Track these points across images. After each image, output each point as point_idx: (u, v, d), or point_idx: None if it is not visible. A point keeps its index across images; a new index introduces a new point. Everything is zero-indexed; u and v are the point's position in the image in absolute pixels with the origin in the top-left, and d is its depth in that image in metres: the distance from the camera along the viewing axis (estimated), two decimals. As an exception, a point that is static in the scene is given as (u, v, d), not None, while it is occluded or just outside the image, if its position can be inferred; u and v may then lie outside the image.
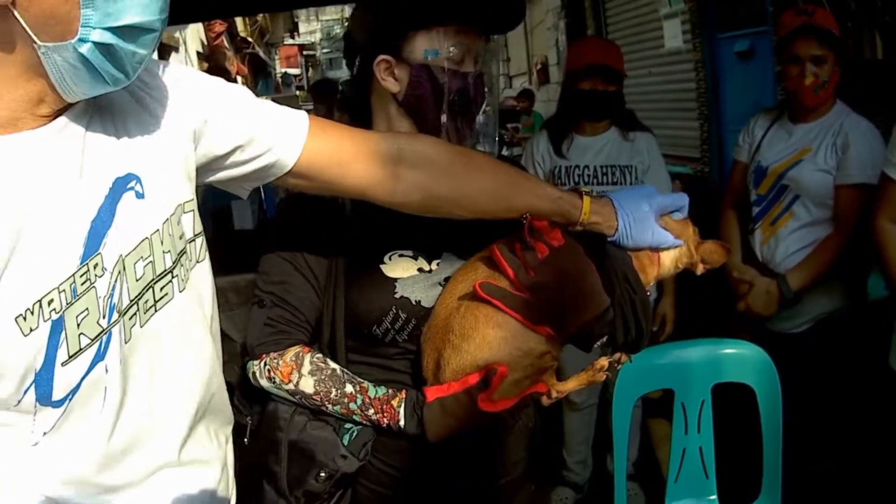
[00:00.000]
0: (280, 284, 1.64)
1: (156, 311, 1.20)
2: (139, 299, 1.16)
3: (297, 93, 23.06)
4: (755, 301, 2.95)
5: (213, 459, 1.37)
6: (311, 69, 34.00)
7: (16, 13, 0.96)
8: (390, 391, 1.57)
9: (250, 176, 1.40)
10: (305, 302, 1.64)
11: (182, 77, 1.28)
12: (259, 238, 3.16)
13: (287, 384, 1.58)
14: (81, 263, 1.08)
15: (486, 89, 1.70)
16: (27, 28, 0.97)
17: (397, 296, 1.59)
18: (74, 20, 0.98)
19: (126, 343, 1.15)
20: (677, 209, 1.63)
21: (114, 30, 1.00)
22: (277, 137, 1.37)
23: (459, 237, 1.63)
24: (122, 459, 1.17)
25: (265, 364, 1.60)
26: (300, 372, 1.57)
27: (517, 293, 1.46)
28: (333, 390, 1.55)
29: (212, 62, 10.60)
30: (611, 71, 3.16)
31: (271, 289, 1.64)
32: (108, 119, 1.15)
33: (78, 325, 1.08)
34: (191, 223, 1.29)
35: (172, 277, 1.23)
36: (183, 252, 1.26)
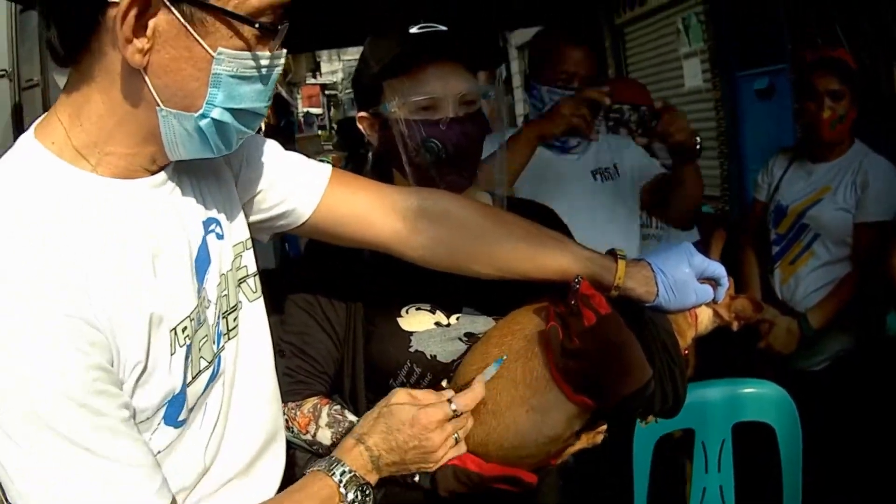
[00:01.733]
0: (299, 335, 1.66)
1: (229, 338, 1.28)
2: (221, 326, 1.25)
3: (319, 132, 23.16)
4: (776, 340, 2.94)
5: (274, 477, 1.41)
6: (332, 108, 34.17)
7: (147, 78, 1.03)
8: None
9: (268, 223, 1.45)
10: (324, 353, 1.65)
11: None
12: (280, 278, 3.18)
13: (305, 434, 1.59)
14: (198, 296, 1.18)
15: (479, 130, 1.65)
16: (154, 92, 1.04)
17: (412, 350, 1.59)
18: (200, 97, 1.06)
19: (223, 364, 1.25)
20: (716, 277, 1.52)
21: (232, 111, 1.08)
22: (297, 187, 1.42)
23: (480, 291, 1.61)
24: (209, 471, 1.23)
25: (283, 414, 1.60)
26: (318, 423, 1.59)
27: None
28: None
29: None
30: None
31: (291, 339, 1.66)
32: (190, 169, 1.25)
33: (200, 350, 1.17)
34: (251, 259, 1.38)
35: (239, 310, 1.32)
36: (243, 286, 1.35)
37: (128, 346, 1.03)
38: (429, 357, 1.59)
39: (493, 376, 1.45)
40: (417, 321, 1.62)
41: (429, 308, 1.63)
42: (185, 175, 1.24)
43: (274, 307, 1.70)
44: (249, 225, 1.42)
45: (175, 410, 1.12)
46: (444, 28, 1.63)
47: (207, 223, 1.26)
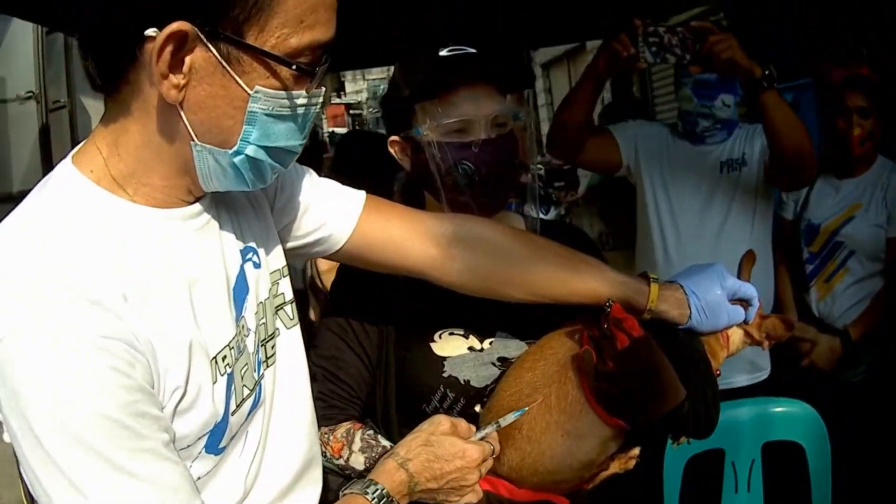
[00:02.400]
0: (332, 360, 1.66)
1: (268, 366, 1.28)
2: (260, 354, 1.26)
3: (344, 152, 23.20)
4: (819, 358, 2.97)
5: (311, 502, 1.40)
6: (357, 128, 34.37)
7: (182, 113, 1.03)
8: None
9: (304, 249, 1.46)
10: (356, 377, 1.65)
11: None
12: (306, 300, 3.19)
13: (338, 459, 1.60)
14: (237, 324, 1.18)
15: (511, 152, 1.65)
16: (189, 128, 1.04)
17: (445, 375, 1.59)
18: (235, 134, 1.06)
19: (263, 391, 1.25)
20: (747, 298, 1.52)
21: (266, 148, 1.08)
22: (332, 214, 1.43)
23: (513, 316, 1.61)
24: (248, 496, 1.22)
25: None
26: (351, 448, 1.59)
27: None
28: None
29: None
30: None
31: (323, 363, 1.66)
32: (227, 199, 1.26)
33: (242, 378, 1.17)
34: (288, 287, 1.38)
35: (276, 338, 1.32)
36: (280, 313, 1.34)
37: (168, 370, 1.03)
38: (462, 382, 1.59)
39: (521, 400, 1.46)
40: (451, 346, 1.61)
41: (462, 333, 1.63)
42: (223, 205, 1.24)
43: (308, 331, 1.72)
44: (285, 251, 1.42)
45: (217, 438, 1.12)
46: (473, 50, 1.64)
47: (245, 252, 1.26)
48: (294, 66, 1.03)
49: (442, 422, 1.37)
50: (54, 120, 5.57)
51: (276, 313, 1.34)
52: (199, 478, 1.11)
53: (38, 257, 0.98)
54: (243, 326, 1.20)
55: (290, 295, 1.38)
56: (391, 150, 1.73)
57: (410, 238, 1.46)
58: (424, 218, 1.50)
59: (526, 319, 1.60)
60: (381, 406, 1.66)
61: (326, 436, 1.61)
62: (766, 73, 2.38)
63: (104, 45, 1.03)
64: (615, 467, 1.56)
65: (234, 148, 1.07)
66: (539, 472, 1.45)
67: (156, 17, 0.96)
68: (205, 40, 0.99)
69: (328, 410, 1.63)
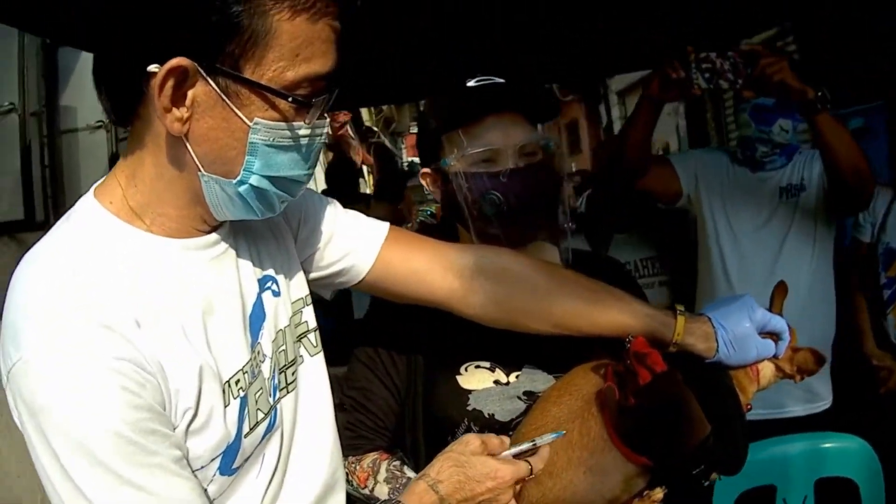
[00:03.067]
0: (360, 390, 1.67)
1: (287, 392, 1.31)
2: (279, 380, 1.28)
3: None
4: None
5: None
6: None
7: (188, 145, 1.07)
8: None
9: (327, 280, 1.48)
10: (385, 408, 1.66)
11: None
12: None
13: (363, 489, 1.60)
14: (252, 350, 1.21)
15: (541, 182, 1.63)
16: (195, 159, 1.08)
17: (470, 408, 1.58)
18: (238, 164, 1.09)
19: (280, 416, 1.27)
20: (777, 332, 1.48)
21: (270, 178, 1.11)
22: (354, 245, 1.45)
23: (542, 349, 1.60)
24: None
25: (344, 467, 1.61)
26: (376, 479, 1.59)
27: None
28: None
29: (336, 151, 10.80)
30: None
31: (352, 394, 1.68)
32: (246, 228, 1.29)
33: (256, 402, 1.20)
34: (311, 315, 1.40)
35: (298, 365, 1.35)
36: (303, 340, 1.38)
37: (179, 392, 1.07)
38: (486, 416, 1.57)
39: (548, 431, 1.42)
40: (476, 379, 1.60)
41: (488, 366, 1.62)
42: (241, 234, 1.27)
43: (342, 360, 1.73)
44: (310, 282, 1.44)
45: (230, 459, 1.15)
46: (501, 80, 1.63)
47: (263, 281, 1.29)
48: (290, 99, 1.06)
49: (471, 441, 1.33)
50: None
51: (300, 341, 1.36)
52: (213, 499, 1.14)
53: (57, 284, 1.03)
54: (258, 352, 1.23)
55: (313, 323, 1.40)
56: (423, 182, 1.73)
57: (433, 269, 1.47)
58: (447, 249, 1.50)
59: (554, 353, 1.58)
60: (409, 436, 1.66)
61: (353, 465, 1.62)
62: (819, 94, 2.34)
63: (114, 80, 1.08)
64: None
65: (238, 178, 1.10)
66: None
67: (157, 53, 1.00)
68: (204, 75, 1.02)
69: (356, 440, 1.64)
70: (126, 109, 1.10)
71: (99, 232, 1.11)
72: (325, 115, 1.15)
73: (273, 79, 1.05)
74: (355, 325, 4.58)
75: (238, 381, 1.17)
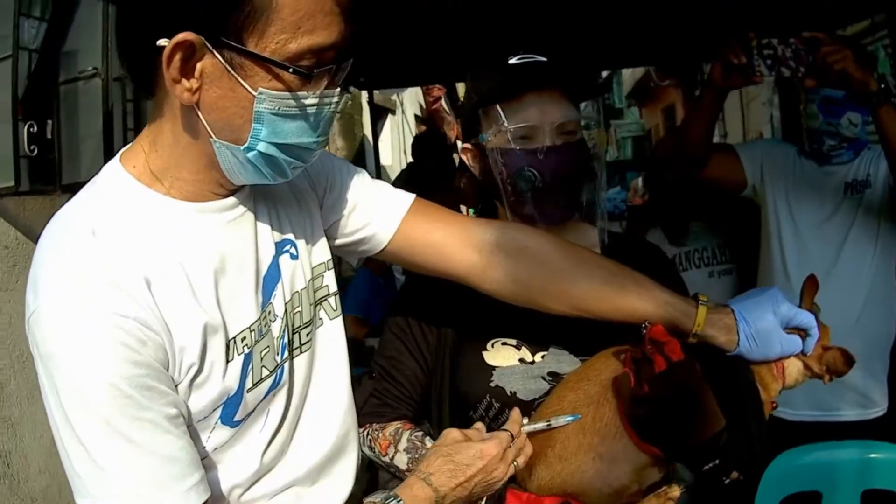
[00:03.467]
0: (390, 360, 1.71)
1: (301, 352, 1.36)
2: (293, 340, 1.34)
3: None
4: None
5: (339, 493, 1.46)
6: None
7: (200, 113, 1.13)
8: None
9: (350, 247, 1.52)
10: (412, 379, 1.69)
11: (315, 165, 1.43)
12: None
13: (384, 456, 1.64)
14: (262, 310, 1.27)
15: (578, 161, 1.61)
16: (207, 126, 1.14)
17: (493, 384, 1.59)
18: (246, 132, 1.14)
19: (290, 374, 1.33)
20: (804, 327, 1.44)
21: (277, 145, 1.16)
22: (377, 214, 1.48)
23: (569, 331, 1.59)
24: (266, 474, 1.31)
25: (368, 434, 1.67)
26: (396, 448, 1.63)
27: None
28: None
29: (429, 125, 10.87)
30: None
31: (382, 363, 1.71)
32: (267, 194, 1.34)
33: (261, 359, 1.26)
34: (332, 279, 1.45)
35: (315, 327, 1.40)
36: (324, 304, 1.43)
37: (184, 349, 1.14)
38: (508, 393, 1.58)
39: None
40: (502, 356, 1.61)
41: (514, 344, 1.62)
42: (262, 198, 1.32)
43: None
44: (334, 248, 1.48)
45: (231, 411, 1.22)
46: (542, 59, 1.62)
47: (282, 244, 1.34)
48: (291, 70, 1.10)
49: (451, 432, 1.39)
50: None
51: (320, 304, 1.41)
52: (216, 447, 1.22)
53: (75, 242, 1.12)
54: (269, 312, 1.28)
55: (334, 287, 1.44)
56: (463, 158, 1.74)
57: (453, 243, 1.48)
58: (470, 224, 1.52)
59: (582, 335, 1.58)
60: (435, 409, 1.69)
61: (377, 432, 1.66)
62: (883, 86, 2.27)
63: (131, 53, 1.15)
64: None
65: (247, 144, 1.14)
66: (567, 492, 1.42)
67: (165, 28, 1.06)
68: (210, 48, 1.08)
69: (381, 408, 1.68)
70: (145, 81, 1.16)
71: (120, 194, 1.18)
72: (338, 84, 1.18)
73: (276, 51, 1.09)
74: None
75: (244, 338, 1.23)
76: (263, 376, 1.26)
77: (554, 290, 1.49)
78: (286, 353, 1.32)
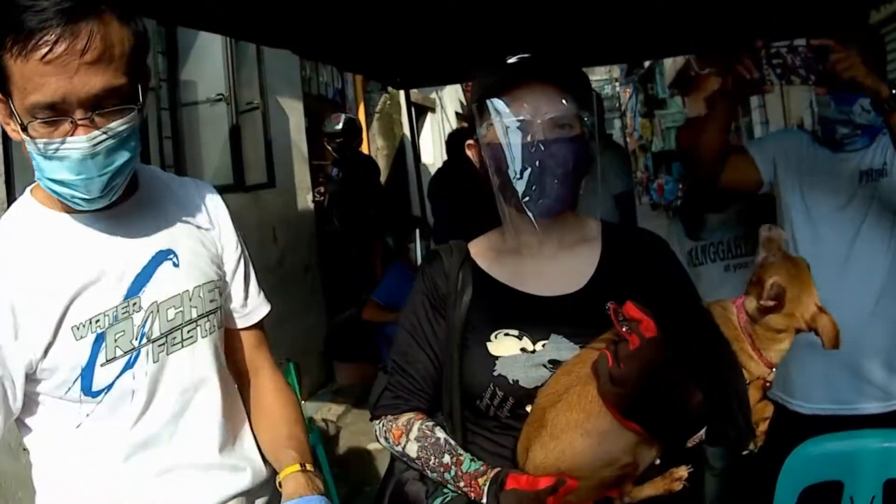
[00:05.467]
0: (402, 355, 1.79)
1: (182, 346, 1.60)
2: (168, 334, 1.57)
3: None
4: None
5: (225, 485, 1.66)
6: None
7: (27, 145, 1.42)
8: (482, 467, 1.63)
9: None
10: (423, 373, 1.76)
11: (211, 206, 1.74)
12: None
13: (397, 445, 1.73)
14: (123, 301, 1.52)
15: (572, 155, 1.62)
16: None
17: (496, 374, 1.64)
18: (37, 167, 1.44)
19: (155, 362, 1.55)
20: None
21: (50, 179, 1.42)
22: (234, 302, 1.77)
23: (570, 320, 1.65)
24: (141, 452, 1.55)
25: (383, 425, 1.77)
26: (408, 437, 1.71)
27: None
28: (433, 458, 1.66)
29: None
30: None
31: (395, 357, 1.80)
32: (155, 212, 1.63)
33: (115, 341, 1.51)
34: (217, 297, 1.68)
35: (196, 327, 1.62)
36: (209, 313, 1.65)
37: (33, 327, 1.44)
38: (511, 382, 1.63)
39: (554, 401, 1.52)
40: (504, 346, 1.66)
41: (516, 334, 1.67)
42: (150, 215, 1.61)
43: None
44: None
45: (87, 383, 1.48)
46: (538, 56, 1.66)
47: (163, 253, 1.59)
48: (20, 123, 1.37)
49: None
50: (247, 120, 5.96)
51: (207, 317, 1.64)
52: (87, 414, 1.50)
53: None
54: (134, 304, 1.53)
55: (218, 303, 1.68)
56: (468, 154, 1.78)
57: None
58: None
59: (582, 323, 1.62)
60: (447, 400, 1.75)
61: (391, 423, 1.75)
62: (894, 92, 2.25)
63: None
64: (658, 488, 1.57)
65: (38, 175, 1.44)
66: (561, 469, 1.50)
67: None
68: (5, 100, 1.38)
69: (394, 400, 1.77)
70: None
71: (18, 209, 1.54)
72: (74, 133, 1.39)
73: (19, 107, 1.36)
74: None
75: (98, 320, 1.48)
76: (117, 355, 1.50)
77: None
78: (145, 340, 1.54)
